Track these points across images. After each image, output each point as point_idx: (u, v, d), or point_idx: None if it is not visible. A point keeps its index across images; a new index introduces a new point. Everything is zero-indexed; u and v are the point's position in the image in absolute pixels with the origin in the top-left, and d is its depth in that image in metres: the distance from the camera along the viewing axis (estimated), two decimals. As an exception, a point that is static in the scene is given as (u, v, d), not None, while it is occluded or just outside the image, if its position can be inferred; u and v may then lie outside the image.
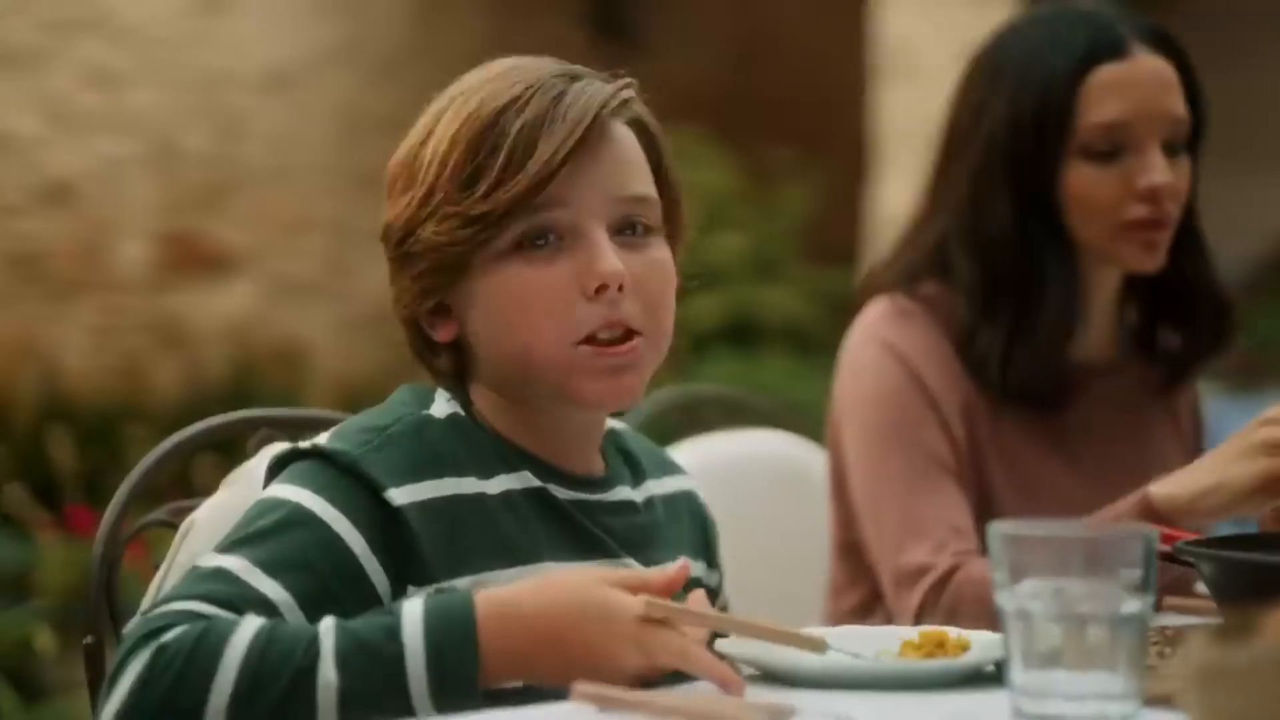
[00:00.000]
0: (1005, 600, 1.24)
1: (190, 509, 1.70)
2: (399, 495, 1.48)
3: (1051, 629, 1.22)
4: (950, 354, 2.06)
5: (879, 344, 2.06)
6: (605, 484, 1.63)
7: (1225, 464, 1.82)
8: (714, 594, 1.74)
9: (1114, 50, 2.02)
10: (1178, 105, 2.04)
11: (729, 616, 1.47)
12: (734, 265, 6.21)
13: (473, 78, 1.58)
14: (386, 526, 1.47)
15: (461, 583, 1.49)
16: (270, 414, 1.82)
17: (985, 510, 2.02)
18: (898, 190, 5.61)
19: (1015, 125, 2.03)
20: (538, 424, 1.59)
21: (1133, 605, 1.22)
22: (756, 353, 6.06)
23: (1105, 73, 2.02)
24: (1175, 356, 2.18)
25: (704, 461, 2.22)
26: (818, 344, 5.79)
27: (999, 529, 1.25)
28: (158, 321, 6.96)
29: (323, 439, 1.52)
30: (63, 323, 6.76)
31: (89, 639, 1.66)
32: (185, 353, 6.96)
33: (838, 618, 2.13)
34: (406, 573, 1.48)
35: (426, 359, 1.63)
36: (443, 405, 1.58)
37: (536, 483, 1.57)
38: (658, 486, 1.70)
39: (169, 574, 1.64)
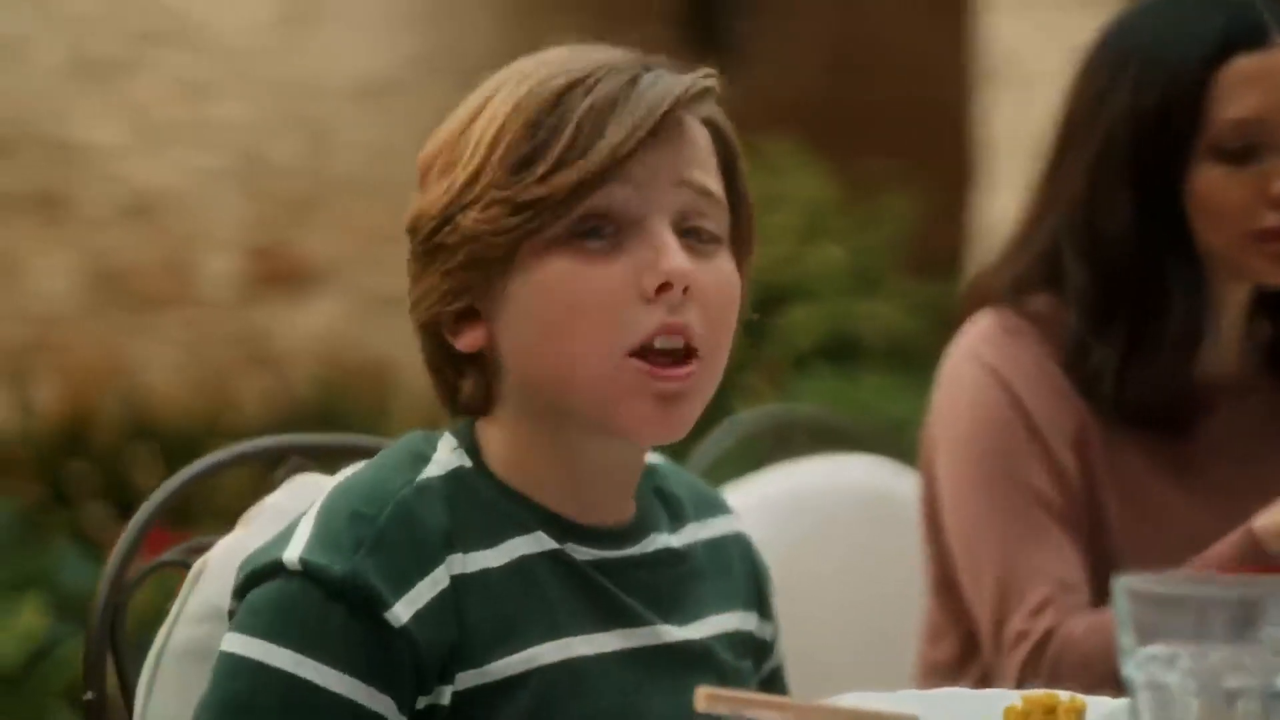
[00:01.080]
0: (1133, 669, 1.04)
1: (207, 546, 1.52)
2: (402, 611, 1.31)
3: (1190, 704, 1.03)
4: (1060, 376, 1.86)
5: (979, 365, 1.86)
6: (636, 533, 1.43)
7: None
8: (768, 649, 1.54)
9: (1254, 38, 1.82)
10: None
11: (805, 703, 1.28)
12: (832, 278, 6.05)
13: (527, 62, 1.40)
14: (387, 653, 1.30)
15: (468, 675, 1.32)
16: (301, 440, 1.64)
17: (1102, 549, 1.82)
18: (1004, 200, 5.45)
19: (1138, 119, 1.83)
20: (562, 466, 1.39)
21: (1288, 674, 1.02)
22: (856, 369, 5.89)
23: (1243, 63, 1.81)
24: None
25: (786, 490, 2.05)
26: (920, 360, 5.62)
27: (1124, 585, 1.05)
28: (244, 338, 6.86)
29: (302, 541, 1.32)
30: (147, 339, 6.67)
31: (89, 694, 1.48)
32: (272, 369, 6.86)
33: (933, 666, 1.93)
34: (414, 691, 1.31)
35: (445, 379, 1.43)
36: (445, 456, 1.39)
37: (552, 544, 1.38)
38: (701, 530, 1.50)
39: (177, 623, 1.47)
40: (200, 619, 1.45)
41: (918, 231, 6.49)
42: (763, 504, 2.01)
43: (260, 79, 6.89)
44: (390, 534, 1.32)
